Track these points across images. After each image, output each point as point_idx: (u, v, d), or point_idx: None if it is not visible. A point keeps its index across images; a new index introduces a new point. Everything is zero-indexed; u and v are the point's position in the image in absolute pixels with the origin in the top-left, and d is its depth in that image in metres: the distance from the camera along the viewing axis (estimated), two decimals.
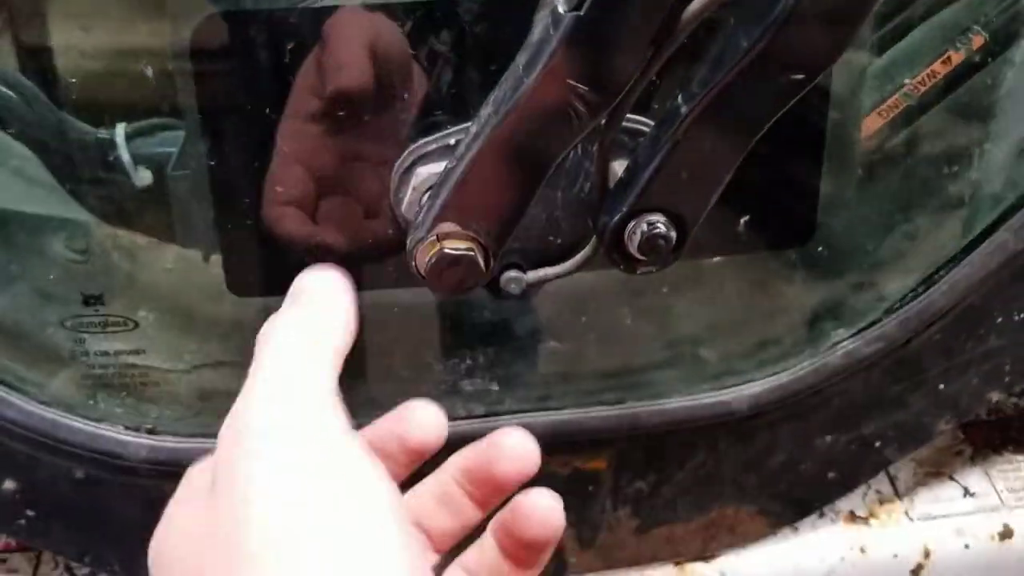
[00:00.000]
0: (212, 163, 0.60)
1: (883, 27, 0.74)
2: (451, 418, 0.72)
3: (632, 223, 0.54)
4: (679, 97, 0.51)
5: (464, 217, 0.52)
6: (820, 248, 0.70)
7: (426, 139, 0.59)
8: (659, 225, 0.54)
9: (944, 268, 0.73)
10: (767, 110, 0.49)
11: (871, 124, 0.77)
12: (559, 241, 0.64)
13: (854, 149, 0.70)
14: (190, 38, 0.56)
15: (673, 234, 0.55)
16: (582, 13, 0.43)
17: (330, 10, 0.54)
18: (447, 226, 0.53)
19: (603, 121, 0.50)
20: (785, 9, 0.45)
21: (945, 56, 0.76)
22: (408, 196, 0.60)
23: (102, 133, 0.81)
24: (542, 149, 0.49)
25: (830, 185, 0.68)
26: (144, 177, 0.83)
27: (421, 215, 0.53)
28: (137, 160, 0.81)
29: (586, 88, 0.45)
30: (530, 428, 0.72)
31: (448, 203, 0.52)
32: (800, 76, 0.48)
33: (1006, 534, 0.87)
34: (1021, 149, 0.74)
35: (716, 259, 0.71)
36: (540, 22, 0.47)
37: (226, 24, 0.54)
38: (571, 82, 0.45)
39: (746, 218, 0.66)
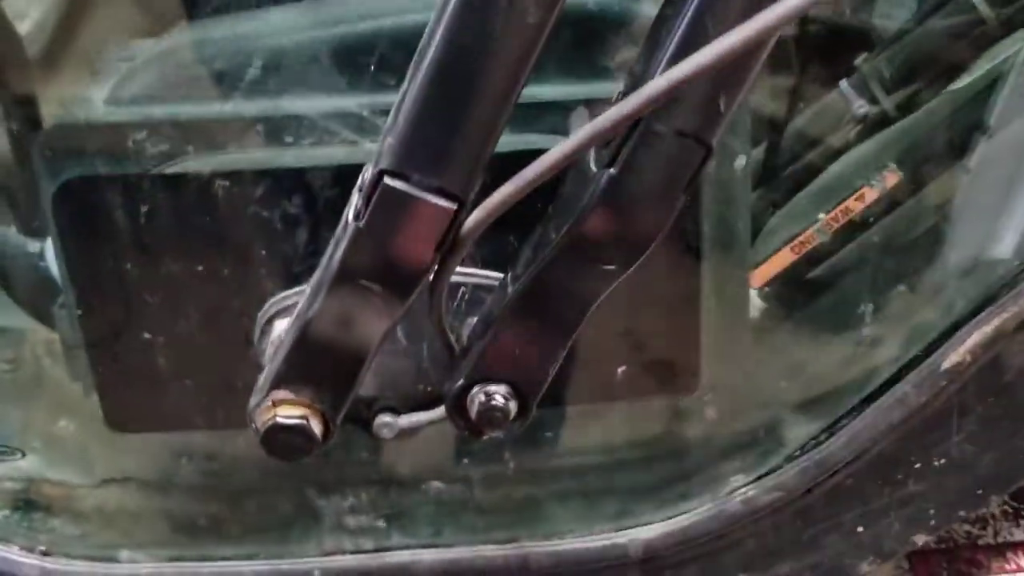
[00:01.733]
0: (79, 312, 0.61)
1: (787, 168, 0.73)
2: (340, 552, 0.72)
3: (472, 391, 0.54)
4: (507, 275, 0.51)
5: (297, 386, 0.53)
6: (706, 399, 0.68)
7: (285, 292, 0.59)
8: (496, 396, 0.53)
9: (845, 418, 0.70)
10: (587, 296, 0.49)
11: (783, 259, 0.76)
12: (430, 389, 0.64)
13: (743, 297, 0.68)
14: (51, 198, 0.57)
15: (513, 405, 0.54)
16: (361, 224, 0.43)
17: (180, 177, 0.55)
18: (282, 393, 0.53)
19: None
20: (586, 208, 0.45)
21: (859, 193, 0.74)
22: (269, 348, 0.60)
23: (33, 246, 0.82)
24: (355, 334, 0.49)
25: (717, 335, 0.66)
26: None
27: (260, 378, 0.54)
28: None
29: (379, 288, 0.45)
30: (418, 565, 0.72)
31: (281, 370, 0.52)
32: (612, 267, 0.47)
33: None
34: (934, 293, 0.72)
35: (611, 401, 0.71)
36: None
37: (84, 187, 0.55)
38: (363, 283, 0.45)
39: (623, 368, 0.65)
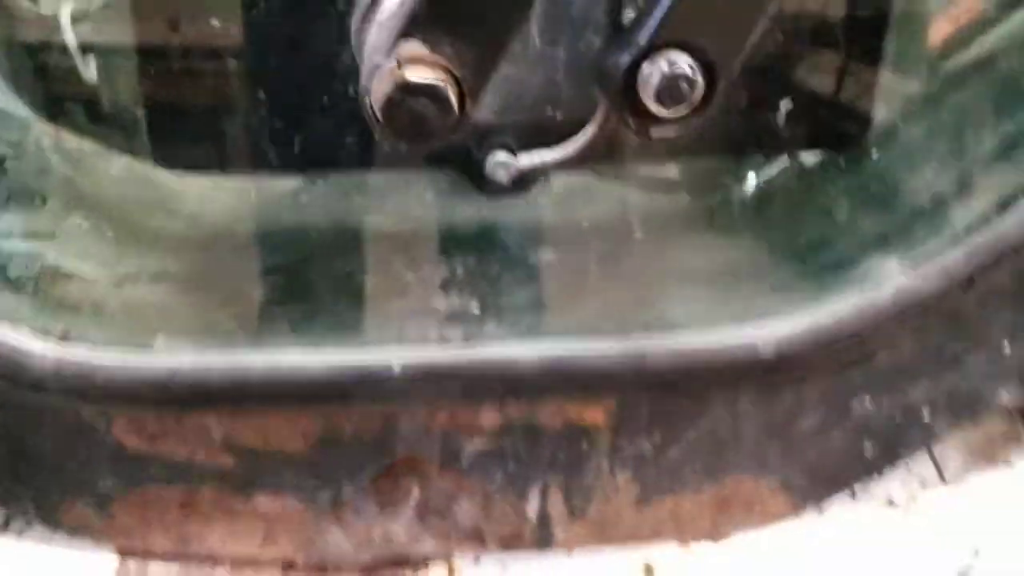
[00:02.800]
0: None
1: None
2: (420, 343, 0.62)
3: (648, 64, 0.43)
4: None
5: (435, 36, 0.41)
6: (876, 157, 0.59)
7: None
8: (682, 65, 0.43)
9: (1019, 193, 0.61)
10: None
11: (941, 31, 0.66)
12: (559, 116, 0.53)
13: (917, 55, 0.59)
14: None
15: (700, 80, 0.43)
16: None
17: None
18: (413, 46, 0.41)
19: None
20: None
21: None
22: (373, 38, 0.48)
23: (44, 9, 0.73)
24: None
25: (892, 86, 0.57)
26: (91, 70, 0.74)
27: (379, 33, 0.42)
28: (84, 48, 0.74)
29: None
30: (517, 364, 0.62)
31: (415, 13, 0.41)
32: None
33: None
34: None
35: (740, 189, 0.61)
36: None
37: None
38: None
39: (788, 108, 0.55)
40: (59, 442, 0.67)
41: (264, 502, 0.70)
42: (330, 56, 0.55)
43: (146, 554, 0.74)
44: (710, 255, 0.70)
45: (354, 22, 0.50)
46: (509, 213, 0.68)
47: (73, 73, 0.73)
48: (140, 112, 0.72)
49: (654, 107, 0.44)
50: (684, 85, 0.43)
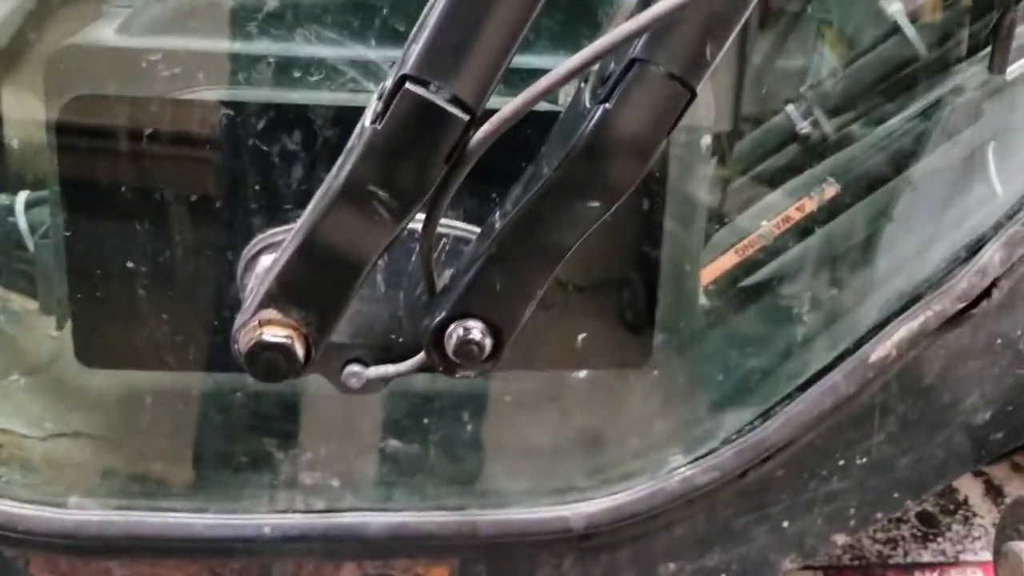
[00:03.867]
0: (68, 234, 0.63)
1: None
2: (291, 511, 0.73)
3: (451, 327, 0.57)
4: (496, 213, 0.55)
5: (286, 305, 0.55)
6: (658, 375, 0.73)
7: (274, 229, 0.62)
8: (474, 331, 0.57)
9: (780, 404, 0.75)
10: (570, 233, 0.53)
11: (726, 261, 0.82)
12: (401, 340, 0.66)
13: (693, 284, 0.73)
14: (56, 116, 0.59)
15: (488, 341, 0.57)
16: (379, 127, 0.47)
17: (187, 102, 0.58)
18: (269, 312, 0.55)
19: (421, 226, 0.53)
20: (579, 143, 0.49)
21: (800, 204, 0.81)
22: (252, 283, 0.62)
23: (2, 199, 0.83)
24: (354, 247, 0.52)
25: (669, 313, 0.71)
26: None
27: (247, 300, 0.56)
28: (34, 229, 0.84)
29: (386, 195, 0.49)
30: (367, 528, 0.73)
31: (272, 288, 0.55)
32: (596, 203, 0.51)
33: None
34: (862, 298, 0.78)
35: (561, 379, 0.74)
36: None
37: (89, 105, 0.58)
38: (371, 188, 0.49)
39: (584, 335, 0.69)
40: None
41: None
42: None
43: None
44: (534, 434, 0.82)
45: (239, 268, 0.64)
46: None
47: (22, 245, 0.84)
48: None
49: (454, 359, 0.58)
50: (474, 348, 0.57)
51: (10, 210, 0.82)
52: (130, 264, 0.63)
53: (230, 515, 0.72)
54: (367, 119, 0.48)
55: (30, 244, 0.84)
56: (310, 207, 0.52)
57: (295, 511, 0.73)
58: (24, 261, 0.84)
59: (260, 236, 0.63)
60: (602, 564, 0.79)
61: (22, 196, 0.83)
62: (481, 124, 0.47)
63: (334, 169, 0.50)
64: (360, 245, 0.51)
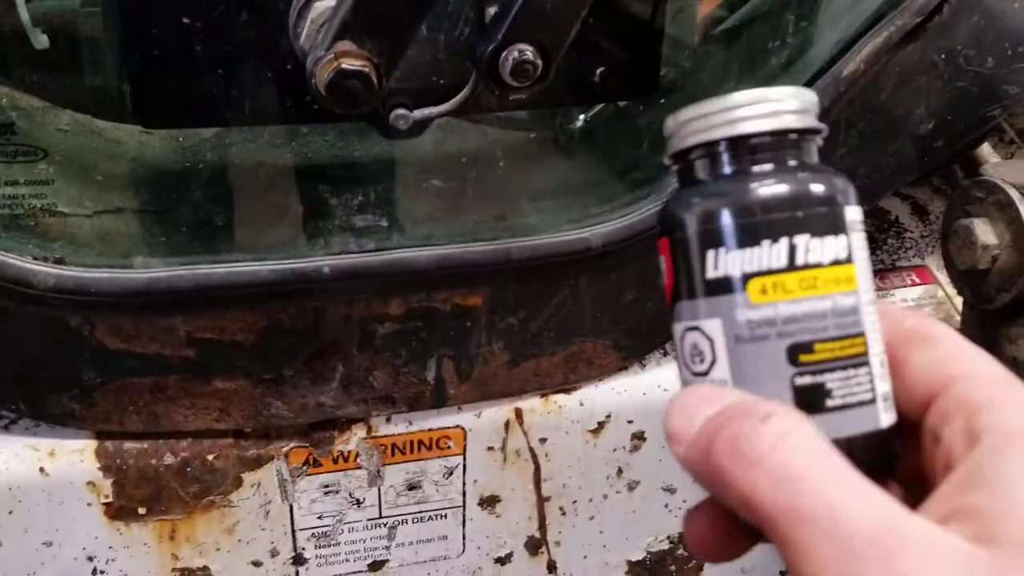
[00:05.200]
0: None
1: None
2: (343, 252, 0.80)
3: (504, 52, 0.64)
4: None
5: (359, 36, 0.61)
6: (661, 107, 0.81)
7: None
8: (527, 53, 0.64)
9: None
10: None
11: (711, 2, 0.89)
12: (442, 82, 0.72)
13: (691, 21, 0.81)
14: None
15: (539, 62, 0.64)
16: None
17: None
18: (344, 44, 0.61)
19: None
20: None
21: None
22: (306, 30, 0.67)
23: None
24: None
25: (669, 51, 0.79)
26: (42, 40, 0.86)
27: (320, 36, 0.61)
28: (36, 22, 0.85)
29: None
30: (416, 262, 0.81)
31: (345, 23, 0.60)
32: None
33: None
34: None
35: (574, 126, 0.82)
36: None
37: None
38: None
39: (600, 70, 0.76)
40: (50, 347, 0.82)
41: (219, 384, 0.85)
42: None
43: (122, 434, 0.90)
44: (554, 176, 0.91)
45: (291, 17, 0.68)
46: (401, 148, 0.87)
47: (26, 40, 0.85)
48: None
49: (510, 81, 0.65)
50: (528, 68, 0.64)
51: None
52: (184, 20, 0.66)
53: (292, 260, 0.78)
54: None
55: (35, 41, 0.85)
56: None
57: (350, 253, 0.80)
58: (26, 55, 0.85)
59: None
60: (613, 282, 0.90)
61: None
62: None
63: None
64: None
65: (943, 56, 0.89)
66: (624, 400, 0.97)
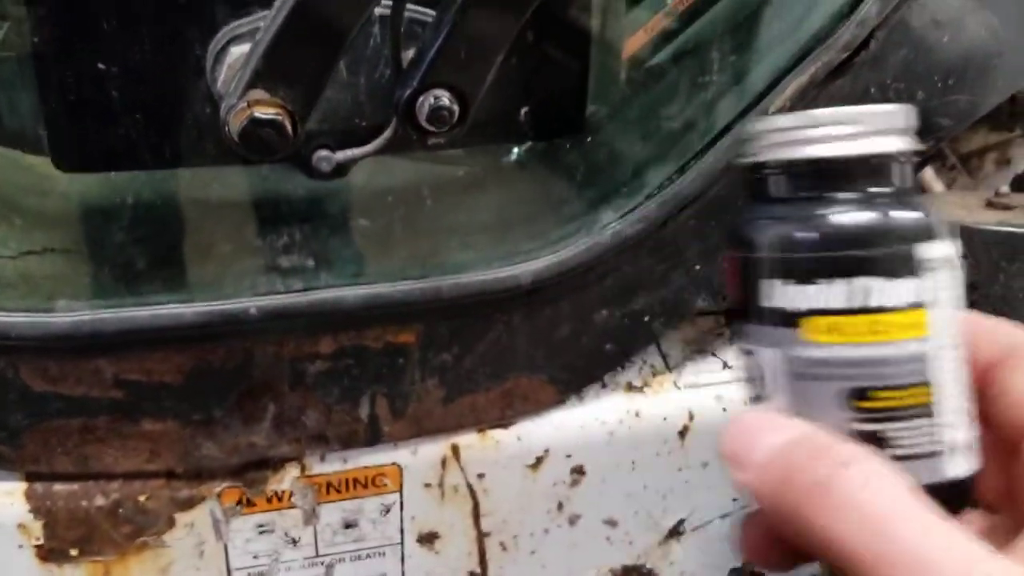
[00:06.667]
0: (35, 40, 0.65)
1: None
2: (270, 292, 0.80)
3: (421, 97, 0.64)
4: None
5: (272, 83, 0.60)
6: (590, 143, 0.82)
7: (239, 21, 0.66)
8: (443, 99, 0.64)
9: (693, 159, 0.86)
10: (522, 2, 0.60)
11: (637, 41, 0.90)
12: (363, 124, 0.72)
13: (618, 60, 0.81)
14: None
15: (456, 108, 0.64)
16: None
17: None
18: (257, 93, 0.60)
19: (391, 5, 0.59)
20: None
21: None
22: (223, 75, 0.67)
23: None
24: (337, 18, 0.57)
25: (597, 89, 0.79)
26: None
27: (233, 84, 0.61)
28: None
29: None
30: (343, 301, 0.81)
31: (256, 71, 0.60)
32: None
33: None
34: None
35: (505, 160, 0.82)
36: None
37: None
38: None
39: (525, 109, 0.77)
40: None
41: (149, 425, 0.84)
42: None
43: (52, 476, 0.88)
44: (485, 211, 0.90)
45: (208, 60, 0.68)
46: (327, 185, 0.86)
47: None
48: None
49: (427, 127, 0.65)
50: (445, 113, 0.64)
51: None
52: (100, 65, 0.66)
53: (217, 302, 0.78)
54: None
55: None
56: None
57: (277, 293, 0.79)
58: None
59: (225, 28, 0.66)
60: (546, 317, 0.90)
61: None
62: None
63: None
64: (342, 15, 0.57)
65: (873, 90, 0.90)
66: (562, 434, 0.96)
